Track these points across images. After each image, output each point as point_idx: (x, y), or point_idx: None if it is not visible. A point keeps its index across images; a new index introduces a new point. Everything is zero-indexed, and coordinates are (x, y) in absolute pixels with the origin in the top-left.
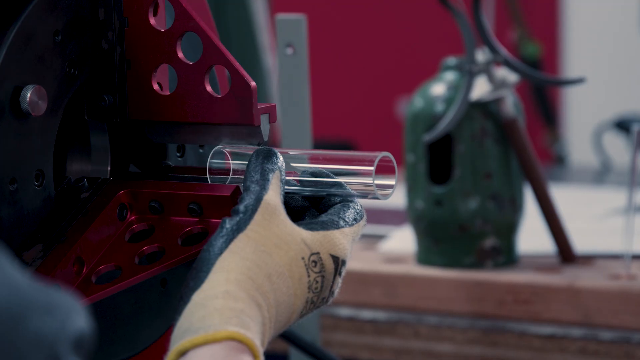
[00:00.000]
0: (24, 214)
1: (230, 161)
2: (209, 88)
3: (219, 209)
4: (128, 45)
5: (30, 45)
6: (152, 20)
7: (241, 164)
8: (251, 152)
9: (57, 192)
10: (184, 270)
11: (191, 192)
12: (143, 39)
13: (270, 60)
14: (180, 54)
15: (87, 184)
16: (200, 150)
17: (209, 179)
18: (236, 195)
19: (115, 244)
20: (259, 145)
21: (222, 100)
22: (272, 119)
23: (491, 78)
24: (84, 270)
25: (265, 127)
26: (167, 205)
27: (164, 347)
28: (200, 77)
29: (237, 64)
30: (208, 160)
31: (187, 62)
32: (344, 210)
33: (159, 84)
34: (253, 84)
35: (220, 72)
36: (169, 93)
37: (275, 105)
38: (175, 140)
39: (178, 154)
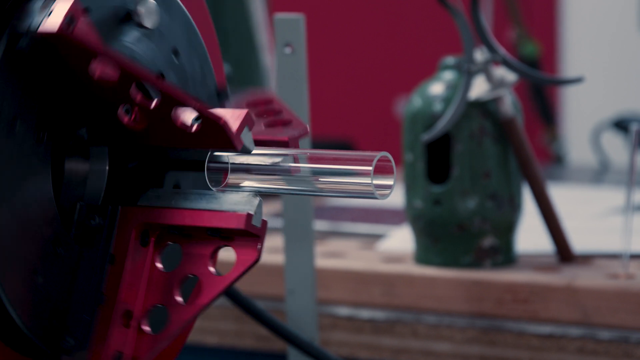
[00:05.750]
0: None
1: (229, 161)
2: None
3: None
4: None
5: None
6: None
7: (240, 163)
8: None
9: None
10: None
11: (207, 225)
12: None
13: (268, 59)
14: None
15: (85, 209)
16: None
17: (207, 178)
18: (249, 223)
19: (151, 280)
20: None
21: (198, 135)
22: (249, 125)
23: (490, 77)
24: (132, 321)
25: (247, 138)
26: (186, 231)
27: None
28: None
29: (200, 106)
30: (205, 163)
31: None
32: None
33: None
34: (222, 120)
35: (217, 68)
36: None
37: (248, 111)
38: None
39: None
